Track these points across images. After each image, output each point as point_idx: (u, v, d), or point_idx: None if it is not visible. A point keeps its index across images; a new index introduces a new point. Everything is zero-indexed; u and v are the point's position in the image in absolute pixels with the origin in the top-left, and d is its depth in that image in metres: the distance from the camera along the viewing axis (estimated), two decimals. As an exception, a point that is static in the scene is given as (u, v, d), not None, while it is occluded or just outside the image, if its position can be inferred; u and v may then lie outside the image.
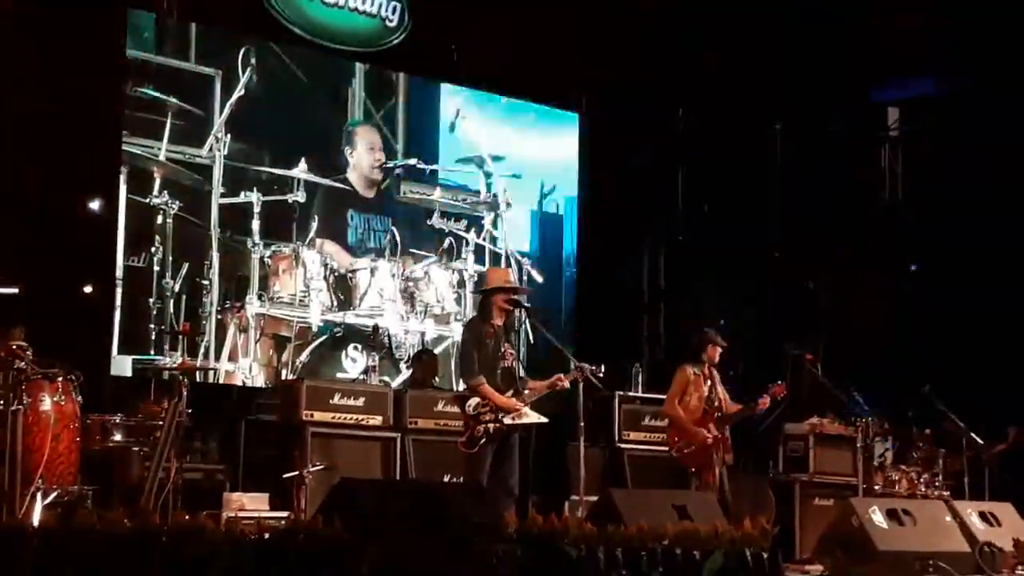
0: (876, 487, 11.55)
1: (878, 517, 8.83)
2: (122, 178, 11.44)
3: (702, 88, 14.31)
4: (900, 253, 15.75)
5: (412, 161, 13.24)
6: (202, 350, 11.69)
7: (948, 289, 14.97)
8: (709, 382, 10.26)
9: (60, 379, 8.41)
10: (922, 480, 12.07)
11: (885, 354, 14.70)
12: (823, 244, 15.42)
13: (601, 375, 9.24)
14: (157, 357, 11.30)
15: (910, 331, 15.45)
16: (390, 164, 13.11)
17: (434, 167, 13.40)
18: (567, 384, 9.13)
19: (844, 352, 14.45)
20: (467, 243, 13.41)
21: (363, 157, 12.90)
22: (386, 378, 11.86)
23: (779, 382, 10.52)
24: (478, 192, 13.68)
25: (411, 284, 12.80)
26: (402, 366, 12.47)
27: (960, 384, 12.89)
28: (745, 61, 14.13)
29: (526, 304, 9.75)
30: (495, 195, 13.72)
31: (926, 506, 9.87)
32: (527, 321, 12.15)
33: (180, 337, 11.14)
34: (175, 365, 10.39)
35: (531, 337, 12.74)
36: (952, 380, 13.01)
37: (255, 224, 11.99)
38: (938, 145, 15.38)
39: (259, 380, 11.94)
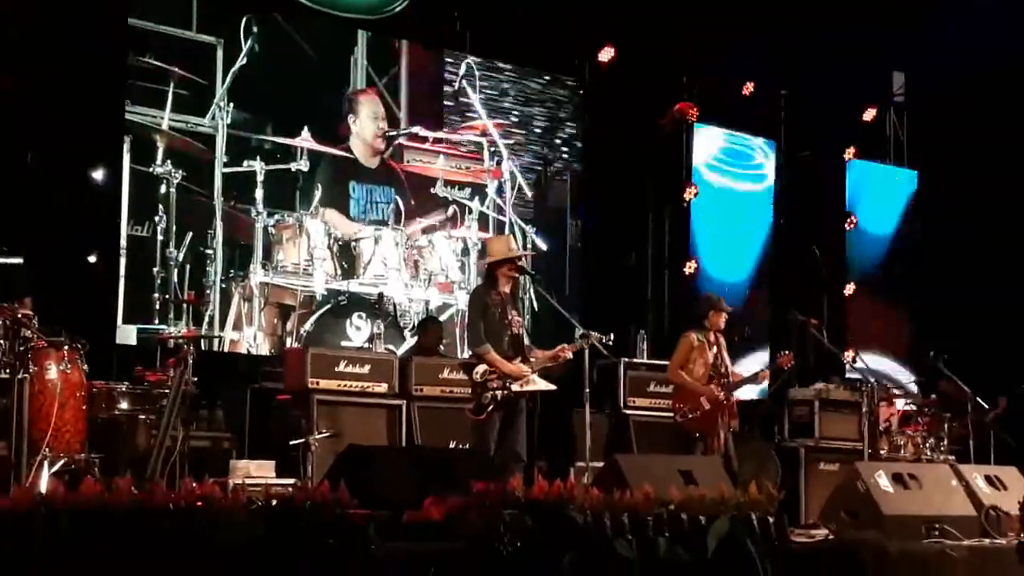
0: (881, 451, 11.58)
1: (884, 481, 8.83)
2: (125, 147, 11.43)
3: (704, 55, 14.26)
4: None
5: (415, 129, 13.20)
6: (206, 319, 11.70)
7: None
8: (714, 348, 10.23)
9: (66, 348, 8.41)
10: (927, 444, 12.11)
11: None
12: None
13: (609, 343, 9.24)
14: (162, 326, 11.30)
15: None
16: (393, 133, 13.07)
17: (437, 135, 13.36)
18: (570, 355, 9.13)
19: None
20: (471, 211, 13.39)
21: (366, 126, 12.86)
22: (391, 346, 11.86)
23: (786, 351, 10.51)
24: (482, 160, 13.65)
25: (415, 252, 12.79)
26: (407, 334, 12.47)
27: (962, 349, 12.94)
28: (748, 30, 14.08)
29: (531, 271, 9.73)
30: (499, 162, 13.69)
31: (931, 470, 9.89)
32: (532, 289, 12.14)
33: (185, 306, 11.15)
34: (180, 334, 10.38)
35: (535, 305, 12.73)
36: (954, 344, 13.06)
37: (258, 193, 11.98)
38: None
39: (263, 349, 11.95)
